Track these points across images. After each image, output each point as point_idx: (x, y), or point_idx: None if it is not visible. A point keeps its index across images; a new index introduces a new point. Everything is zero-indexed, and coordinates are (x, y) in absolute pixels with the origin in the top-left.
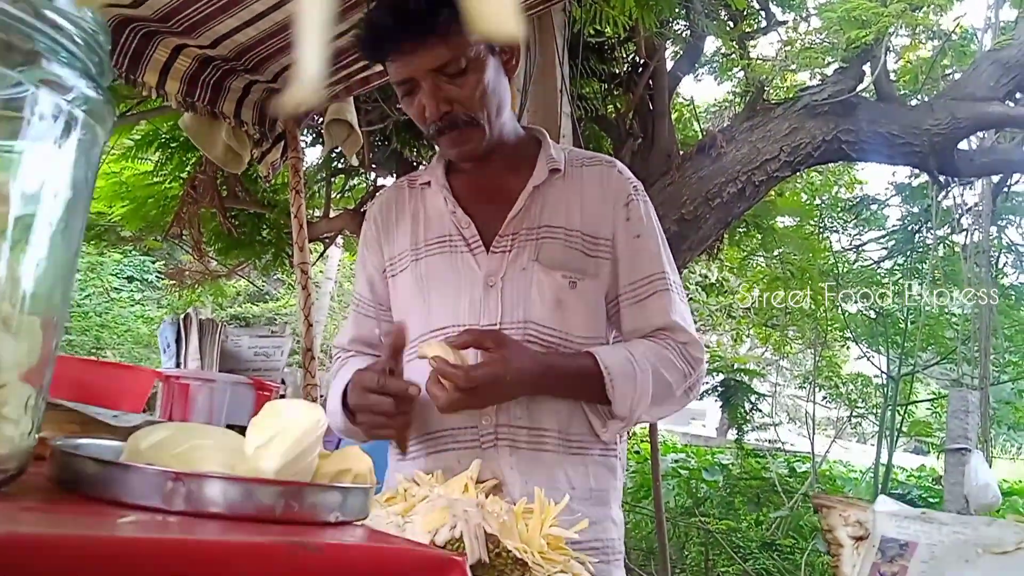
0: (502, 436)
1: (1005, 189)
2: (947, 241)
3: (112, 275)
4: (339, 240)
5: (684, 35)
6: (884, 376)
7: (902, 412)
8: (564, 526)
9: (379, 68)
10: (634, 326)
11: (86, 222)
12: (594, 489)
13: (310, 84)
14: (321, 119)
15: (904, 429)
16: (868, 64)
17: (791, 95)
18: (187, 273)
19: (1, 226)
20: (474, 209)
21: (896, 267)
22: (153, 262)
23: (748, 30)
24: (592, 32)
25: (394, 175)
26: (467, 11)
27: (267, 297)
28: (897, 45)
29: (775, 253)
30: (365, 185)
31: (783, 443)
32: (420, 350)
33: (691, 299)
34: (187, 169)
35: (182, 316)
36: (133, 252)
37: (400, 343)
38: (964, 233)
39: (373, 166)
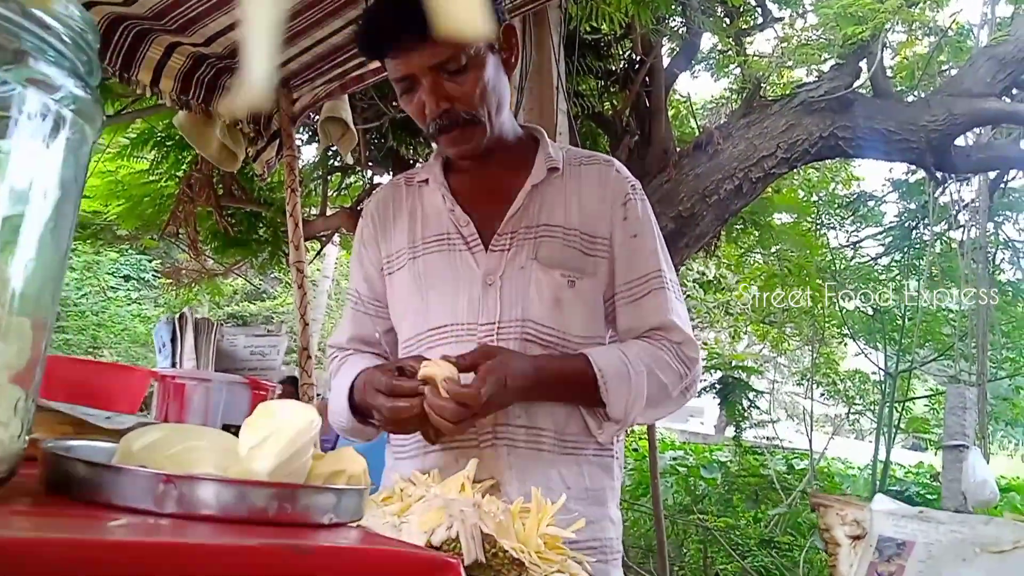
0: (500, 436)
1: (1002, 185)
2: (944, 237)
3: (109, 274)
4: (336, 238)
5: (680, 32)
6: (882, 373)
7: (900, 409)
8: (561, 526)
9: (374, 66)
10: (629, 325)
11: (76, 221)
12: (590, 489)
13: (259, 83)
14: (316, 117)
15: (902, 426)
16: (865, 60)
17: (788, 92)
18: (184, 272)
19: None
20: (472, 207)
21: (893, 263)
22: (150, 261)
23: (744, 27)
24: (588, 29)
25: (390, 173)
26: (435, 10)
27: (264, 296)
28: (893, 41)
29: (772, 250)
30: (361, 183)
31: (781, 440)
32: (425, 370)
33: (688, 296)
34: (183, 168)
35: (177, 315)
36: (130, 251)
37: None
38: (961, 229)
39: (369, 164)
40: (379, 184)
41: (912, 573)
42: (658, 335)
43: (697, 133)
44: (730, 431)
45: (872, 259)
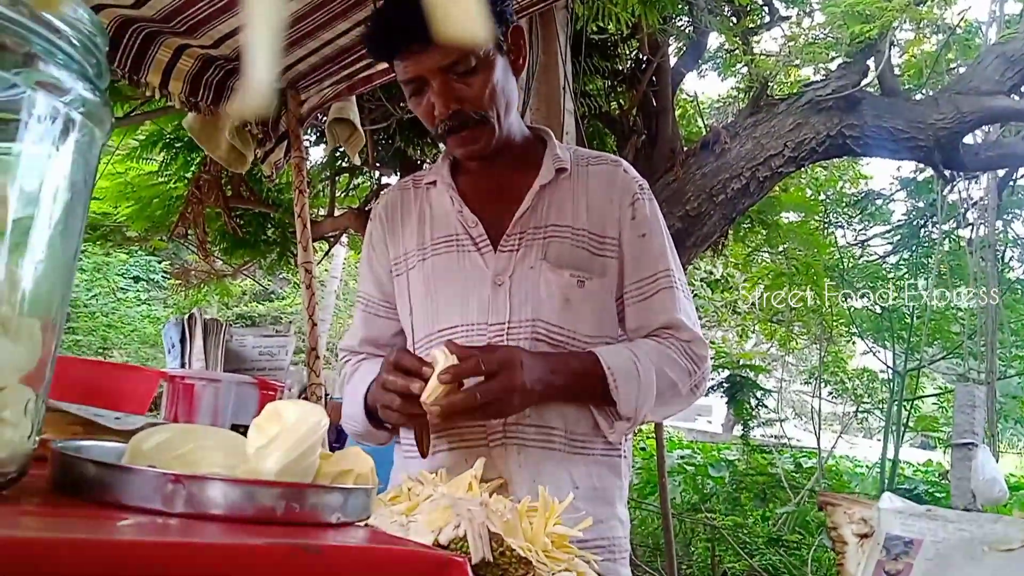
0: (510, 434)
1: (1011, 183)
2: (953, 236)
3: (118, 275)
4: (344, 239)
5: (687, 31)
6: (890, 371)
7: (908, 407)
8: (569, 525)
9: (382, 67)
10: (638, 324)
11: (85, 223)
12: (598, 488)
13: (262, 84)
14: (324, 118)
15: (910, 424)
16: (872, 59)
17: (795, 91)
18: (193, 273)
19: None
20: (480, 208)
21: (902, 262)
22: (159, 262)
23: (751, 26)
24: (595, 29)
25: (398, 174)
26: (434, 14)
27: (273, 296)
28: (901, 39)
29: (780, 249)
30: (369, 184)
31: (789, 439)
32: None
33: (696, 295)
34: (192, 169)
35: (186, 316)
36: (139, 252)
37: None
38: (970, 228)
39: (377, 165)
40: (387, 185)
41: (920, 571)
42: (666, 333)
43: (704, 132)
44: (738, 430)
45: (880, 258)
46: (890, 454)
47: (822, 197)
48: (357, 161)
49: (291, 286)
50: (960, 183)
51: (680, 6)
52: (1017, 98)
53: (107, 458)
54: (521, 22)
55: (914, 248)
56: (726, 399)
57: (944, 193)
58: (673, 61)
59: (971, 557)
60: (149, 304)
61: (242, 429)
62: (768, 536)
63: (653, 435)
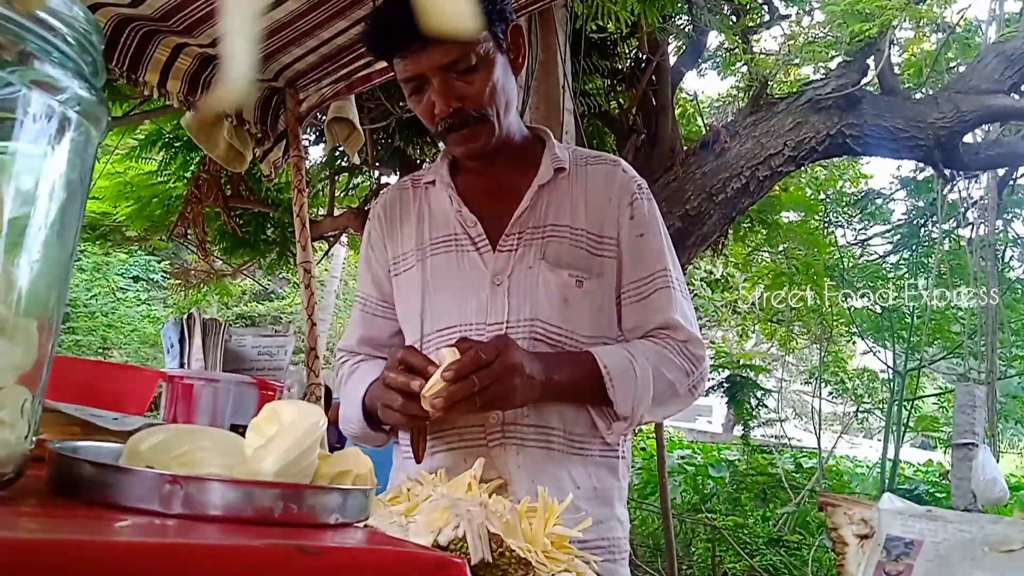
0: (509, 434)
1: (1011, 182)
2: (953, 235)
3: (118, 275)
4: (343, 238)
5: (687, 30)
6: (890, 371)
7: (909, 407)
8: (569, 525)
9: (381, 66)
10: (635, 323)
11: (82, 222)
12: (598, 488)
13: (240, 75)
14: (323, 117)
15: (911, 424)
16: (872, 58)
17: (795, 89)
18: (192, 272)
19: None
20: (479, 208)
21: (902, 261)
22: (159, 262)
23: (751, 24)
24: (594, 28)
25: (397, 173)
26: (423, 9)
27: (272, 296)
28: (901, 38)
29: (780, 248)
30: (368, 183)
31: (789, 439)
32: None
33: (696, 295)
34: (191, 168)
35: (185, 316)
36: (139, 252)
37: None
38: (970, 227)
39: (376, 164)
40: (386, 184)
41: (920, 572)
42: (662, 334)
43: (704, 132)
44: (738, 430)
45: (880, 257)
46: (890, 454)
47: (822, 196)
48: (356, 160)
49: (291, 286)
50: (960, 182)
51: (680, 5)
52: (1017, 97)
53: (105, 459)
54: (520, 21)
55: (914, 247)
56: (726, 399)
57: (944, 192)
58: (673, 60)
59: (972, 558)
60: (149, 304)
61: (241, 429)
62: (768, 536)
63: (653, 435)
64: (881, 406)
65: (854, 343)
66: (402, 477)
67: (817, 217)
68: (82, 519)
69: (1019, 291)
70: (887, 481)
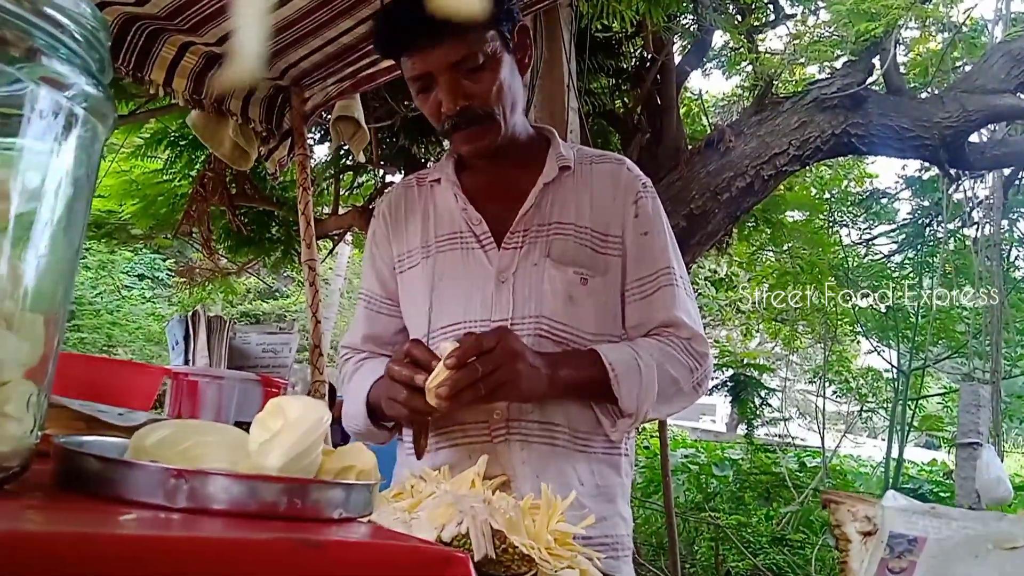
0: (513, 430)
1: (1017, 182)
2: (958, 235)
3: (123, 273)
4: (348, 237)
5: (692, 29)
6: (895, 370)
7: (913, 406)
8: (572, 522)
9: (386, 64)
10: (638, 321)
11: (88, 219)
12: (601, 485)
13: (249, 60)
14: (328, 116)
15: (915, 424)
16: (878, 57)
17: (800, 89)
18: (197, 271)
19: (2, 223)
20: (484, 206)
21: (907, 261)
22: (164, 260)
23: (756, 24)
24: (599, 27)
25: (402, 171)
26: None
27: (277, 294)
28: (907, 38)
29: (784, 248)
30: (373, 182)
31: (793, 438)
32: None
33: (700, 294)
34: (196, 167)
35: (190, 313)
36: (144, 250)
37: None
38: (975, 227)
39: (381, 162)
40: (391, 183)
41: (923, 569)
42: (666, 332)
43: (709, 131)
44: (742, 429)
45: (885, 257)
46: (894, 453)
47: (827, 196)
48: (361, 159)
49: (295, 284)
50: (965, 182)
51: (685, 4)
52: (1023, 96)
53: (110, 454)
54: (525, 20)
55: (919, 247)
56: (730, 398)
57: (949, 192)
58: (678, 59)
59: (975, 555)
60: (154, 302)
61: (245, 426)
62: (772, 535)
63: (657, 434)
64: (885, 405)
65: (858, 342)
66: (406, 474)
67: (822, 216)
68: (88, 512)
69: None
70: (891, 480)
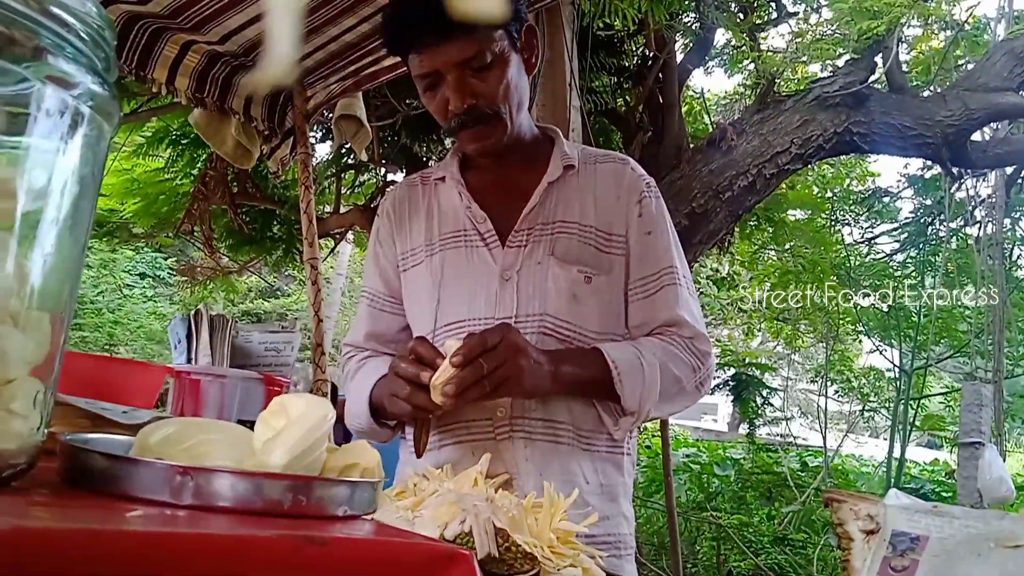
0: (517, 428)
1: (1019, 181)
2: (960, 234)
3: (125, 272)
4: (350, 235)
5: (694, 28)
6: (897, 370)
7: (915, 406)
8: (576, 520)
9: (388, 63)
10: (641, 320)
11: (93, 217)
12: (604, 484)
13: (282, 62)
14: (330, 114)
15: (917, 423)
16: (880, 55)
17: (802, 87)
18: (199, 269)
19: (8, 222)
20: (489, 204)
21: (909, 260)
22: (165, 258)
23: (758, 22)
24: (601, 25)
25: (404, 170)
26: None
27: (279, 293)
28: (909, 36)
29: (786, 246)
30: (375, 180)
31: (795, 437)
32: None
33: (702, 293)
34: (198, 166)
35: (192, 312)
36: (145, 249)
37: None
38: (977, 225)
39: (383, 161)
40: (393, 181)
41: (926, 568)
42: (669, 331)
43: (710, 129)
44: (744, 428)
45: (887, 255)
46: (896, 453)
47: (829, 194)
48: (363, 157)
49: (297, 283)
50: (968, 180)
51: (687, 2)
52: None
53: (115, 451)
54: (528, 18)
55: (921, 246)
56: (732, 397)
57: (952, 191)
58: (680, 57)
59: (977, 553)
60: (155, 301)
61: (248, 424)
62: (774, 535)
63: (659, 433)
64: (887, 405)
65: (860, 342)
66: (409, 472)
67: (824, 215)
68: (94, 509)
69: None
70: (893, 480)
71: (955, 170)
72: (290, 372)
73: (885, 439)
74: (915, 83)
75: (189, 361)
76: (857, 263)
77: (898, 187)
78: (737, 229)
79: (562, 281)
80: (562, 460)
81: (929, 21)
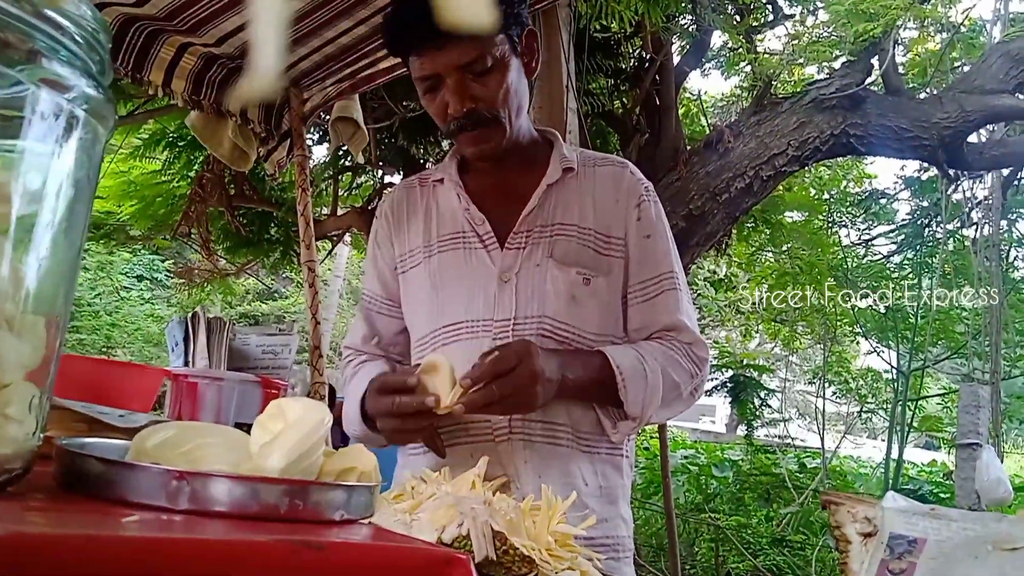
0: (516, 430)
1: (1015, 182)
2: (957, 235)
3: (122, 274)
4: (347, 238)
5: (691, 30)
6: (894, 371)
7: (912, 407)
8: (575, 523)
9: (385, 65)
10: (641, 324)
11: (89, 220)
12: (604, 487)
13: (268, 70)
14: (327, 117)
15: (915, 424)
16: (876, 57)
17: (799, 89)
18: (196, 272)
19: (3, 226)
20: (488, 207)
21: (906, 261)
22: (162, 261)
23: (755, 24)
24: (598, 27)
25: (401, 172)
26: (441, 4)
27: (276, 295)
28: (905, 38)
29: (784, 248)
30: (372, 182)
31: (793, 439)
32: (425, 379)
33: (699, 295)
34: (195, 168)
35: (190, 315)
36: (142, 251)
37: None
38: (974, 227)
39: (380, 163)
40: (390, 184)
41: (923, 570)
42: (668, 336)
43: (707, 131)
44: (742, 430)
45: (884, 257)
46: (894, 454)
47: (826, 196)
48: (360, 160)
49: (294, 285)
50: (964, 182)
51: (683, 4)
52: (1021, 97)
53: (111, 456)
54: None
55: (918, 247)
56: (730, 399)
57: (948, 192)
58: (676, 60)
59: (975, 556)
60: (152, 303)
61: (245, 428)
62: (772, 536)
63: (657, 435)
64: (885, 406)
65: (858, 343)
66: (406, 475)
67: (821, 217)
68: (89, 514)
69: (1023, 291)
70: (891, 481)
71: (951, 172)
72: (288, 375)
73: (883, 440)
74: (911, 85)
75: (186, 364)
76: (854, 265)
77: (895, 189)
78: (734, 231)
79: (561, 283)
80: (561, 462)
81: (925, 23)
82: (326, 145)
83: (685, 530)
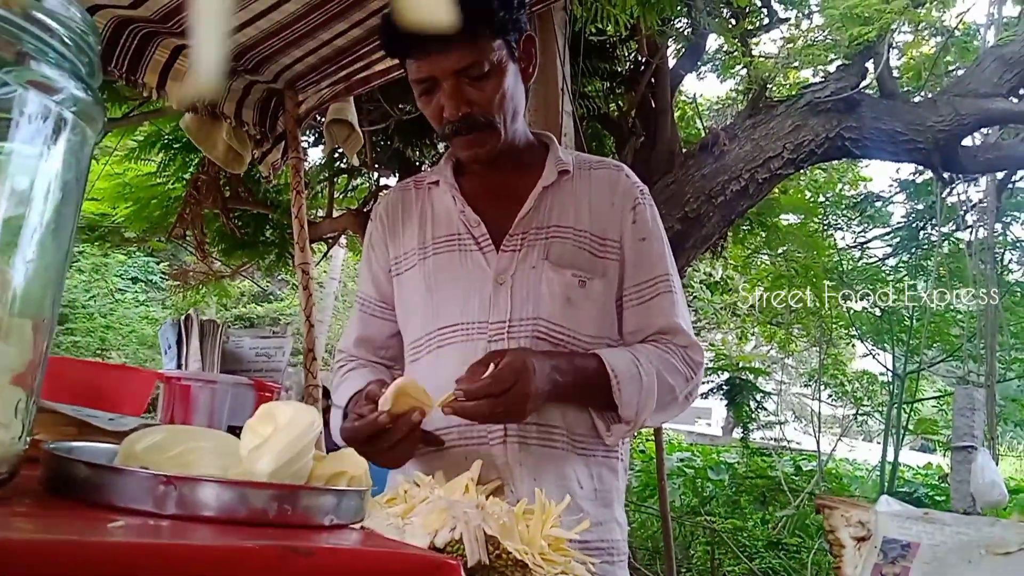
0: (511, 433)
1: (1010, 185)
2: (952, 238)
3: (117, 276)
4: (342, 240)
5: (686, 33)
6: (890, 374)
7: (908, 410)
8: (570, 526)
9: (379, 68)
10: (636, 327)
11: (77, 223)
12: (599, 490)
13: (209, 71)
14: (322, 119)
15: (910, 427)
16: (871, 61)
17: (794, 92)
18: (191, 274)
19: None
20: (483, 209)
21: (901, 264)
22: (157, 263)
23: (750, 27)
24: (594, 31)
25: (396, 174)
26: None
27: (271, 297)
28: (900, 42)
29: (779, 251)
30: (367, 185)
31: (789, 442)
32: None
33: (695, 298)
34: (190, 170)
35: (183, 317)
36: (137, 253)
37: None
38: (969, 230)
39: (375, 166)
40: (385, 186)
41: (917, 574)
42: (664, 339)
43: (703, 134)
44: (737, 432)
45: (880, 260)
46: (890, 457)
47: (821, 199)
48: (355, 162)
49: (290, 287)
50: (959, 185)
51: (679, 8)
52: (1015, 100)
53: (99, 459)
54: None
55: (913, 250)
56: (725, 401)
57: (943, 195)
58: (672, 63)
59: (968, 560)
60: (147, 305)
61: (238, 431)
62: (768, 539)
63: (652, 438)
64: (880, 409)
65: (853, 346)
66: (399, 479)
67: (816, 220)
68: (76, 520)
69: (1018, 294)
70: (886, 484)
71: (946, 175)
72: (281, 377)
73: (878, 443)
74: (906, 89)
75: (179, 367)
76: (850, 267)
77: (890, 192)
78: (730, 234)
79: (556, 285)
80: (557, 465)
81: (920, 27)
82: (321, 147)
83: (681, 533)
